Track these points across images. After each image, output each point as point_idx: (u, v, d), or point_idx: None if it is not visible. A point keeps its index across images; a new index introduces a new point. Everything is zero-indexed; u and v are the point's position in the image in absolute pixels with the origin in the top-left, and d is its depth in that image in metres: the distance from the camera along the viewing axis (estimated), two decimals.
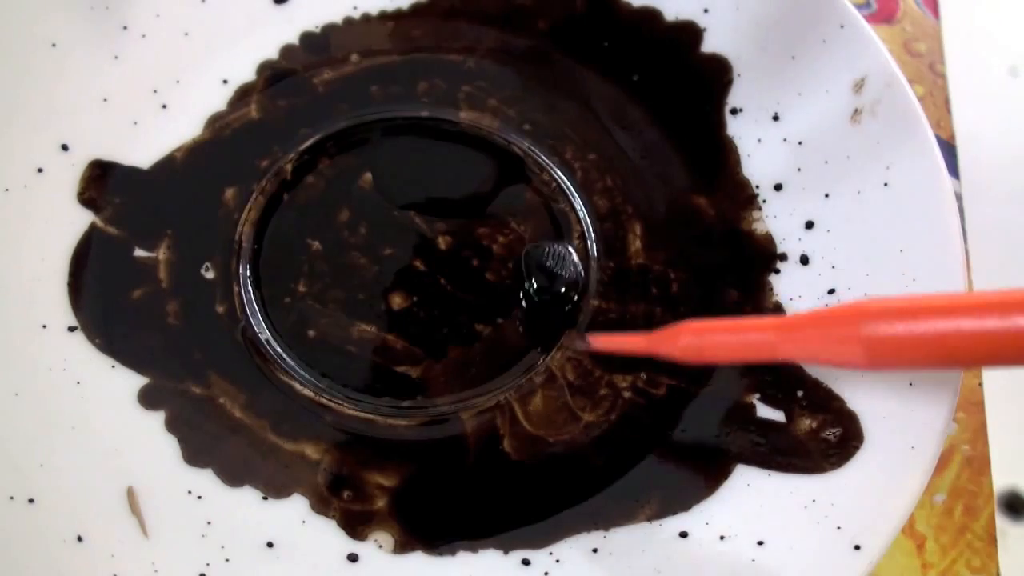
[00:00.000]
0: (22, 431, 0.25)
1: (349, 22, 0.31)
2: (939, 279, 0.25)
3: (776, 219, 0.29)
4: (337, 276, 0.28)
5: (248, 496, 0.25)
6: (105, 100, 0.29)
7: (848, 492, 0.24)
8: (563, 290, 0.27)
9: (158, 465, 0.25)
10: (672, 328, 0.24)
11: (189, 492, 0.25)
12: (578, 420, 0.27)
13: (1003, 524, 0.28)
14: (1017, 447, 0.29)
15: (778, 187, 0.29)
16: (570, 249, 0.28)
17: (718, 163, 0.30)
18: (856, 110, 0.28)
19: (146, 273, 0.28)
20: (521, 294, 0.28)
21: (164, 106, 0.30)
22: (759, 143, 0.30)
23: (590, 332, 0.27)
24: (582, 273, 0.28)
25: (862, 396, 0.25)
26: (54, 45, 0.29)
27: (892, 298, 0.22)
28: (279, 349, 0.27)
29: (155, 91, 0.30)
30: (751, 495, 0.25)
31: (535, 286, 0.27)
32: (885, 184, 0.27)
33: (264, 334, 0.27)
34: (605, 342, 0.26)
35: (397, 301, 0.28)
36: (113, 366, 0.26)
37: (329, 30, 0.31)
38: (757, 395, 0.27)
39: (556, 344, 0.27)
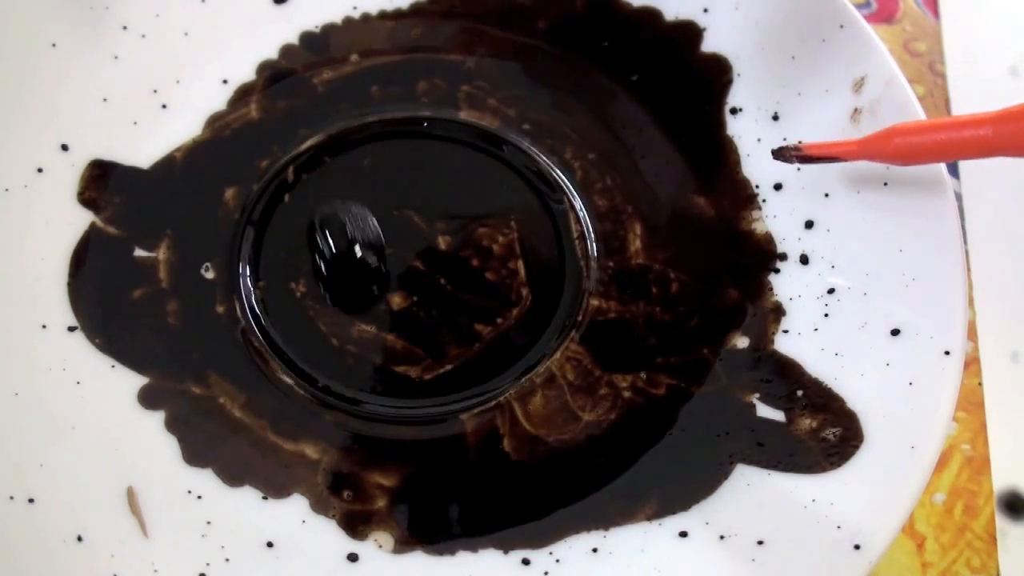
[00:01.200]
0: (22, 431, 0.25)
1: (349, 22, 0.31)
2: (939, 279, 0.25)
3: (776, 219, 0.29)
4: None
5: (248, 496, 0.25)
6: (105, 100, 0.29)
7: (848, 492, 0.24)
8: (360, 254, 0.26)
9: (158, 465, 0.25)
10: (885, 131, 0.24)
11: (189, 492, 0.25)
12: (578, 420, 0.27)
13: (1003, 524, 0.28)
14: (1017, 447, 0.29)
15: (778, 187, 0.29)
16: (366, 210, 0.26)
17: (718, 163, 0.30)
18: (856, 110, 0.28)
19: (146, 273, 0.28)
20: (316, 258, 0.26)
21: (164, 106, 0.30)
22: (759, 143, 0.30)
23: (805, 142, 0.26)
24: (380, 235, 0.25)
25: (862, 396, 0.25)
26: (54, 45, 0.29)
27: None
28: (279, 349, 0.27)
29: (155, 91, 0.30)
30: (751, 495, 0.25)
31: (332, 250, 0.26)
32: (885, 184, 0.27)
33: (264, 334, 0.27)
34: (818, 148, 0.26)
35: (397, 301, 0.28)
36: (113, 366, 0.26)
37: (329, 30, 0.31)
38: (757, 395, 0.27)
39: (561, 340, 0.27)
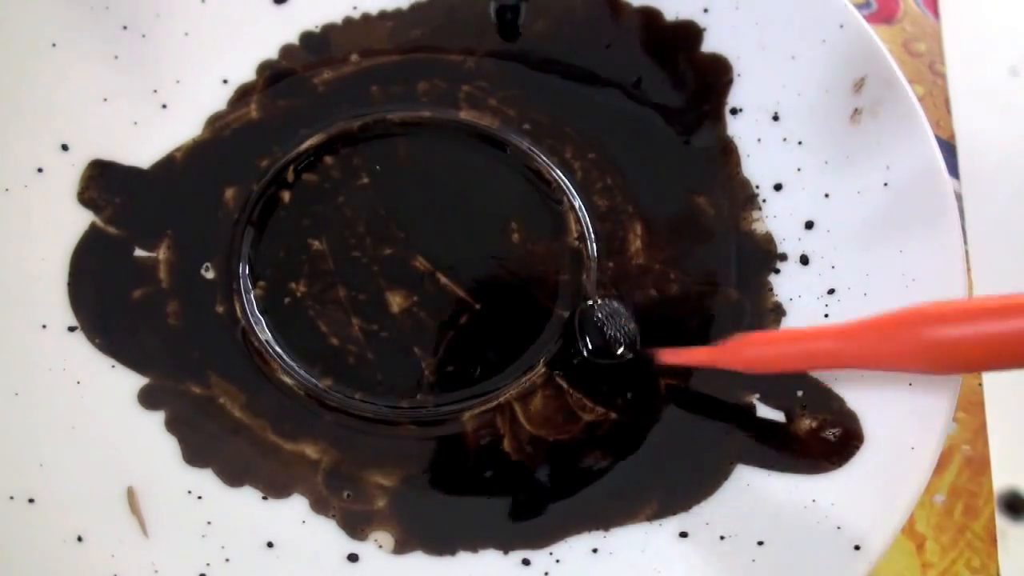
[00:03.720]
0: (22, 431, 0.25)
1: (349, 22, 0.31)
2: (939, 279, 0.25)
3: (776, 219, 0.29)
4: (337, 276, 0.28)
5: (248, 496, 0.25)
6: (105, 100, 0.29)
7: (848, 492, 0.24)
8: (620, 351, 0.27)
9: (158, 465, 0.25)
10: (735, 341, 0.25)
11: (189, 492, 0.25)
12: (578, 420, 0.27)
13: (1003, 524, 0.28)
14: (1017, 447, 0.29)
15: (778, 187, 0.29)
16: (621, 307, 0.27)
17: (718, 163, 0.30)
18: (856, 110, 0.28)
19: (146, 273, 0.28)
20: (572, 352, 0.27)
21: (164, 106, 0.30)
22: (759, 143, 0.30)
23: (654, 347, 0.26)
24: (636, 329, 0.27)
25: (862, 396, 0.25)
26: (54, 45, 0.29)
27: (953, 301, 0.22)
28: (279, 349, 0.27)
29: (155, 91, 0.30)
30: (751, 495, 0.25)
31: (590, 347, 0.27)
32: (885, 184, 0.27)
33: (264, 334, 0.27)
34: (671, 356, 0.26)
35: (397, 301, 0.28)
36: (113, 366, 0.26)
37: (329, 30, 0.31)
38: (757, 395, 0.27)
39: (561, 340, 0.27)
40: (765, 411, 0.26)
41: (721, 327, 0.28)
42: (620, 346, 0.26)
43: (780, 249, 0.28)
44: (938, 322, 0.22)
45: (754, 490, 0.25)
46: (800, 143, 0.29)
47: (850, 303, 0.27)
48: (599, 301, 0.27)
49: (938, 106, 0.34)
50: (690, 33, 0.31)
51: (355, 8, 0.31)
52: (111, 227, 0.28)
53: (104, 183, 0.29)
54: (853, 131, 0.28)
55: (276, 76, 0.31)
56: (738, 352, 0.25)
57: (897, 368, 0.23)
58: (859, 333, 0.23)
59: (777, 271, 0.28)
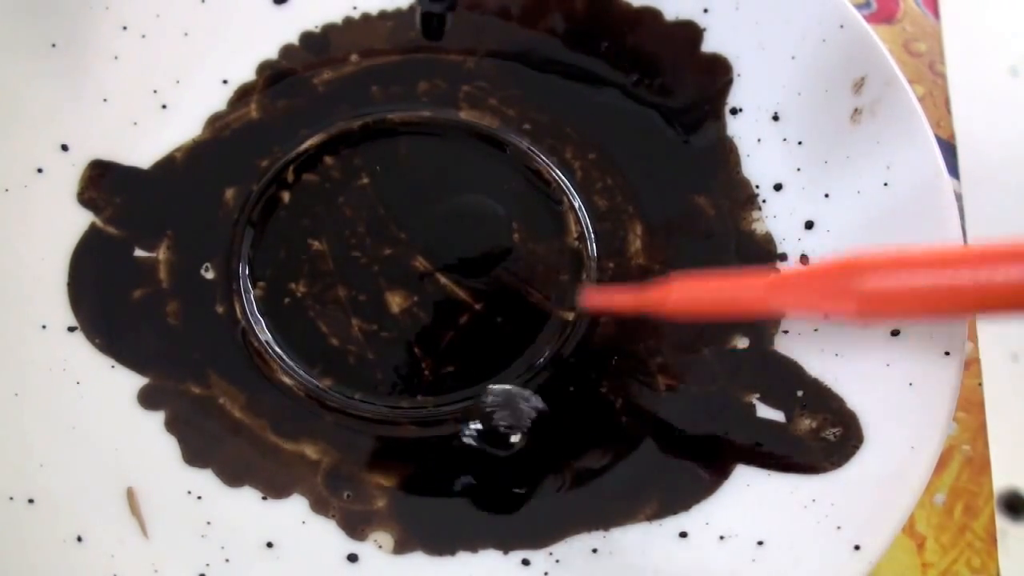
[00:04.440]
0: (22, 431, 0.25)
1: (349, 22, 0.31)
2: None
3: (776, 219, 0.29)
4: (337, 276, 0.28)
5: (248, 496, 0.25)
6: (105, 100, 0.29)
7: (848, 492, 0.24)
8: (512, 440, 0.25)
9: (158, 465, 0.25)
10: (662, 283, 0.24)
11: (189, 492, 0.25)
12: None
13: (1003, 524, 0.28)
14: (1017, 447, 0.29)
15: (778, 187, 0.29)
16: (527, 402, 0.26)
17: (718, 163, 0.30)
18: (856, 110, 0.28)
19: (146, 273, 0.28)
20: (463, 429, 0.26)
21: (164, 106, 0.30)
22: (759, 143, 0.30)
23: (588, 288, 0.26)
24: (530, 422, 0.25)
25: (862, 396, 0.25)
26: (54, 45, 0.29)
27: (883, 252, 0.22)
28: (279, 349, 0.27)
29: (155, 91, 0.30)
30: (751, 495, 0.25)
31: (476, 430, 0.26)
32: (885, 184, 0.27)
33: (264, 334, 0.27)
34: (599, 300, 0.26)
35: (397, 301, 0.28)
36: (113, 366, 0.27)
37: (329, 30, 0.31)
38: (757, 395, 0.27)
39: (560, 340, 0.27)
40: (765, 411, 0.26)
41: (721, 327, 0.28)
42: (512, 435, 0.25)
43: (780, 249, 0.28)
44: (870, 271, 0.22)
45: (754, 490, 0.25)
46: (800, 143, 0.29)
47: None
48: (491, 389, 0.26)
49: (938, 106, 0.34)
50: (690, 33, 0.31)
51: (355, 8, 0.31)
52: (111, 227, 0.28)
53: (104, 183, 0.29)
54: (853, 131, 0.28)
55: (276, 76, 0.31)
56: (665, 296, 0.24)
57: (826, 312, 0.23)
58: (791, 279, 0.23)
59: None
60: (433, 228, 0.29)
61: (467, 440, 0.26)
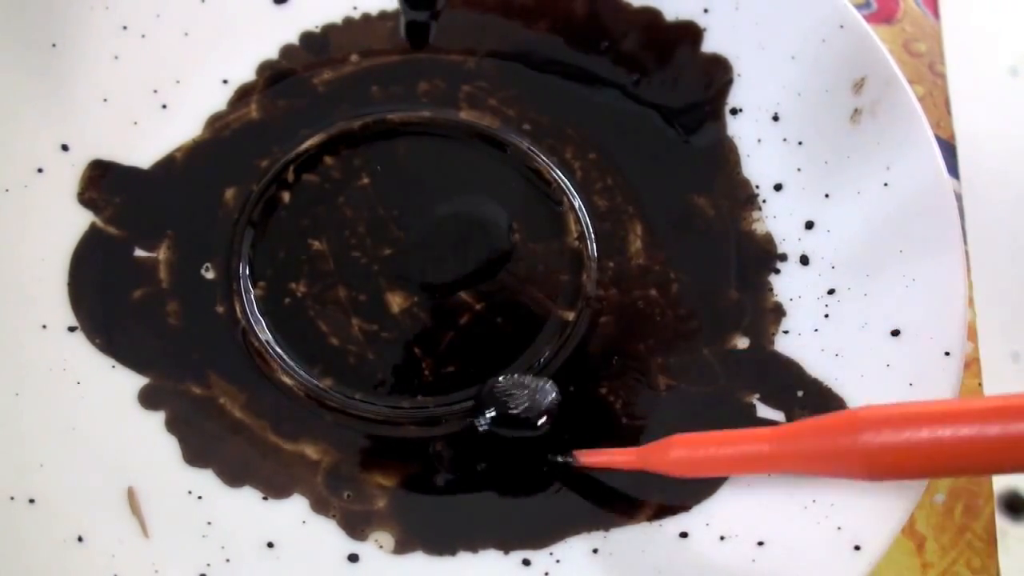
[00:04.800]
0: (22, 431, 0.25)
1: (349, 22, 0.31)
2: (939, 279, 0.25)
3: (776, 219, 0.29)
4: (337, 276, 0.28)
5: (248, 496, 0.25)
6: (105, 100, 0.29)
7: (848, 492, 0.24)
8: (537, 423, 0.25)
9: (158, 465, 0.25)
10: (662, 442, 0.24)
11: (189, 492, 0.25)
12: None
13: (1003, 524, 0.28)
14: None
15: (778, 187, 0.29)
16: (544, 387, 0.25)
17: (718, 163, 0.30)
18: (856, 110, 0.28)
19: (146, 273, 0.28)
20: (476, 419, 0.25)
21: (164, 106, 0.30)
22: (759, 143, 0.30)
23: (576, 450, 0.25)
24: (555, 404, 0.25)
25: (862, 396, 0.25)
26: (54, 45, 0.29)
27: (888, 406, 0.21)
28: (279, 349, 0.27)
29: (155, 91, 0.30)
30: (751, 495, 0.25)
31: (493, 416, 0.25)
32: (885, 184, 0.27)
33: (264, 334, 0.27)
34: (593, 458, 0.25)
35: (397, 301, 0.28)
36: (113, 366, 0.26)
37: (329, 30, 0.31)
38: (757, 395, 0.27)
39: (560, 340, 0.27)
40: (765, 411, 0.26)
41: (721, 327, 0.28)
42: (529, 420, 0.25)
43: (780, 249, 0.28)
44: (876, 427, 0.21)
45: (754, 490, 0.25)
46: (800, 143, 0.29)
47: (850, 304, 0.27)
48: (504, 377, 0.25)
49: (938, 106, 0.34)
50: (690, 33, 0.31)
51: (355, 8, 0.31)
52: (111, 227, 0.28)
53: (104, 183, 0.29)
54: (853, 131, 0.28)
55: (276, 76, 0.31)
56: (664, 454, 0.23)
57: (833, 474, 0.22)
58: (794, 436, 0.22)
59: (777, 271, 0.28)
60: (433, 228, 0.29)
61: (483, 428, 0.25)
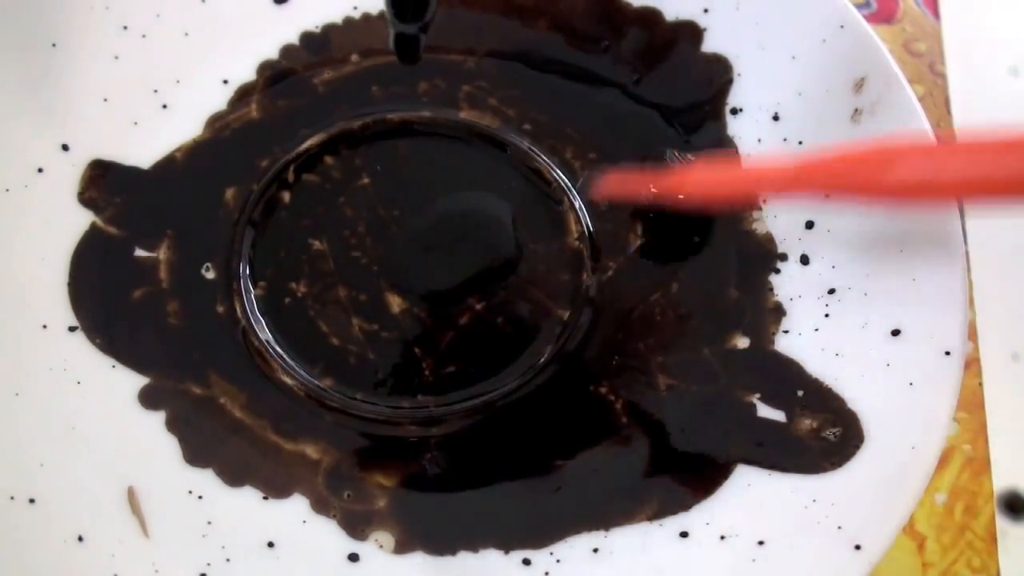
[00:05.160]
0: (22, 431, 0.25)
1: (349, 22, 0.31)
2: (939, 279, 0.25)
3: (776, 219, 0.29)
4: (337, 276, 0.28)
5: (248, 496, 0.25)
6: (105, 100, 0.29)
7: (848, 492, 0.24)
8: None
9: (158, 465, 0.25)
10: (683, 165, 0.24)
11: (189, 492, 0.25)
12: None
13: (1003, 524, 0.28)
14: (1017, 447, 0.29)
15: None
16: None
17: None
18: (856, 110, 0.28)
19: (146, 273, 0.28)
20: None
21: (164, 106, 0.30)
22: (759, 143, 0.30)
23: (601, 175, 0.25)
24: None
25: (862, 396, 0.25)
26: (54, 45, 0.29)
27: (918, 141, 0.22)
28: (279, 349, 0.27)
29: (155, 91, 0.30)
30: (751, 495, 0.25)
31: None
32: None
33: (264, 334, 0.27)
34: (613, 186, 0.25)
35: (397, 301, 0.28)
36: (113, 366, 0.27)
37: (329, 30, 0.31)
38: (757, 395, 0.27)
39: (560, 340, 0.27)
40: (765, 411, 0.26)
41: (721, 327, 0.28)
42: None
43: (780, 249, 0.28)
44: (903, 161, 0.21)
45: (754, 490, 0.25)
46: (800, 143, 0.29)
47: (850, 303, 0.27)
48: None
49: (938, 106, 0.34)
50: (690, 33, 0.31)
51: (355, 8, 0.31)
52: (111, 227, 0.28)
53: (104, 183, 0.29)
54: (853, 131, 0.28)
55: (276, 76, 0.31)
56: (684, 178, 0.23)
57: (851, 197, 0.22)
58: (822, 164, 0.23)
59: (777, 271, 0.28)
60: (433, 228, 0.29)
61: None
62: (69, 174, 0.28)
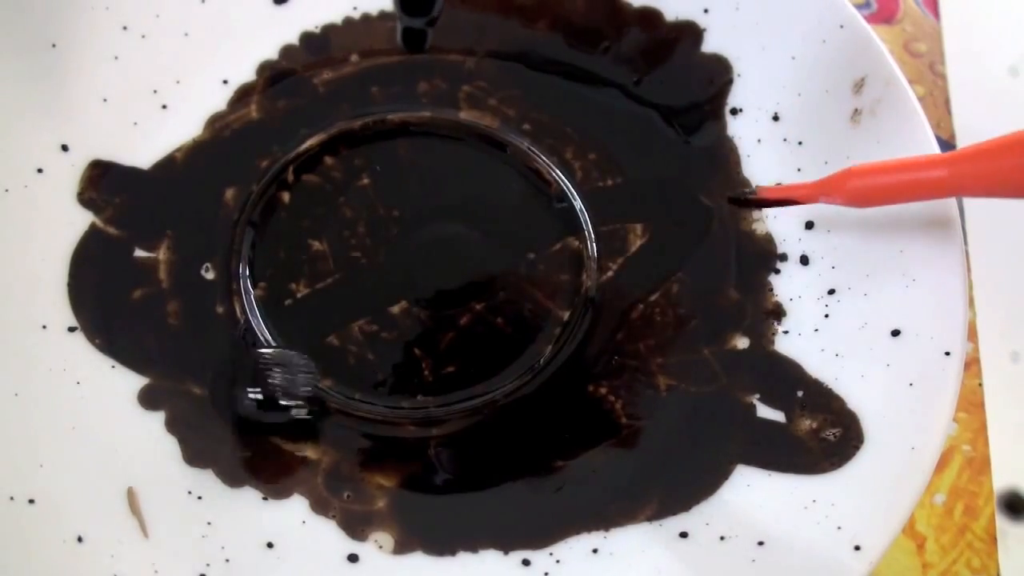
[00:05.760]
0: (22, 431, 0.25)
1: (349, 22, 0.31)
2: (939, 279, 0.25)
3: (776, 219, 0.29)
4: (337, 276, 0.28)
5: (248, 496, 0.25)
6: (105, 100, 0.29)
7: (848, 492, 0.24)
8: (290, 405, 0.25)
9: (158, 465, 0.25)
10: (841, 173, 0.25)
11: (189, 492, 0.25)
12: None
13: (1003, 524, 0.28)
14: (1017, 447, 0.29)
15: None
16: (299, 364, 0.25)
17: (718, 163, 0.30)
18: (856, 110, 0.28)
19: (146, 273, 0.28)
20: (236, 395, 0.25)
21: (164, 106, 0.30)
22: (759, 143, 0.30)
23: (760, 186, 0.27)
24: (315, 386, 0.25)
25: (862, 396, 0.25)
26: (54, 45, 0.29)
27: None
28: (279, 349, 0.27)
29: (155, 91, 0.30)
30: (751, 495, 0.25)
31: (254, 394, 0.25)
32: None
33: (264, 334, 0.27)
34: (774, 192, 0.27)
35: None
36: (113, 366, 0.26)
37: (329, 30, 0.31)
38: (757, 395, 0.27)
39: (560, 340, 0.27)
40: (765, 411, 0.26)
41: (721, 327, 0.28)
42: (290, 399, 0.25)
43: (780, 249, 0.28)
44: None
45: (754, 490, 0.25)
46: (800, 143, 0.29)
47: (850, 304, 0.27)
48: (269, 350, 0.25)
49: (938, 106, 0.34)
50: (690, 33, 0.31)
51: (355, 8, 0.31)
52: (111, 227, 0.28)
53: (104, 183, 0.29)
54: (853, 131, 0.28)
55: (276, 76, 0.31)
56: (842, 184, 0.24)
57: (1008, 194, 0.22)
58: (972, 158, 0.23)
59: (777, 271, 0.28)
60: (432, 228, 0.29)
61: (248, 403, 0.25)
62: (69, 174, 0.28)
